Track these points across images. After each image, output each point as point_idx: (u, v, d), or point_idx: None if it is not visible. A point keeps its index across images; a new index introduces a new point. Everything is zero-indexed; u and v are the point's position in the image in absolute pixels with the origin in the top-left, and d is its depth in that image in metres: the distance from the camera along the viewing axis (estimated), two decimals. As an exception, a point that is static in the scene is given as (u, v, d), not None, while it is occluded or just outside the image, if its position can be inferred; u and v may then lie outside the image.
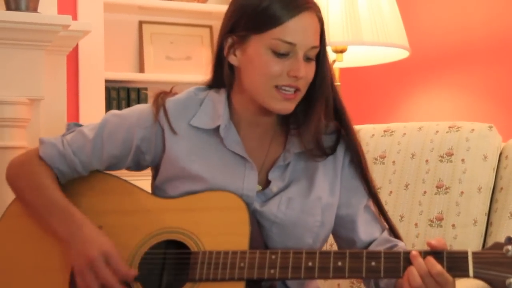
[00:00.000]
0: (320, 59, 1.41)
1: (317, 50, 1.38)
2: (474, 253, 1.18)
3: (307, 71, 1.36)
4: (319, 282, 1.75)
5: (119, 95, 3.27)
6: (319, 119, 1.42)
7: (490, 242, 1.76)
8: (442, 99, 2.85)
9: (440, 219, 1.88)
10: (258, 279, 1.29)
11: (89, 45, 3.02)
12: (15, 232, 1.48)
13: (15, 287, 1.43)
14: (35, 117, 2.71)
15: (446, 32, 2.85)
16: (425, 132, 2.02)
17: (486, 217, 1.86)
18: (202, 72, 3.33)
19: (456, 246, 1.51)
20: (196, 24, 3.53)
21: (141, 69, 3.39)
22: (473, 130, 1.87)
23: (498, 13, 2.62)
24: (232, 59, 1.41)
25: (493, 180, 1.84)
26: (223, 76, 1.46)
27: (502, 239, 1.73)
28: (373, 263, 1.23)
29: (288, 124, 1.50)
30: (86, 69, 3.03)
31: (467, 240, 1.82)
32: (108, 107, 3.16)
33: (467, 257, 1.17)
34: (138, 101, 3.29)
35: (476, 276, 1.16)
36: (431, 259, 1.18)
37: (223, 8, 3.27)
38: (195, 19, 3.51)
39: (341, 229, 1.49)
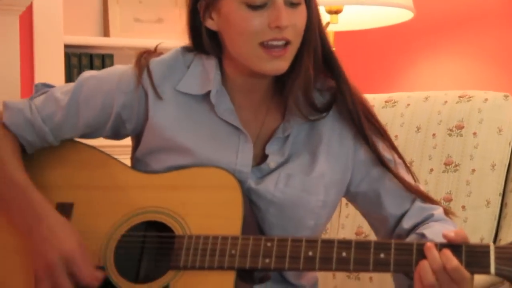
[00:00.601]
0: (307, 2, 1.38)
1: None
2: (497, 248, 1.16)
3: (293, 18, 1.33)
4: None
5: (81, 62, 3.28)
6: (306, 71, 1.39)
7: (504, 226, 1.83)
8: (451, 66, 2.86)
9: (448, 200, 1.89)
10: (250, 269, 1.27)
11: (46, 4, 3.02)
12: None
13: None
14: (-15, 81, 2.72)
15: None
16: (432, 102, 2.03)
17: (500, 198, 1.88)
18: (176, 37, 3.38)
19: (466, 230, 1.51)
20: None
21: (106, 33, 3.41)
22: (486, 99, 1.87)
23: None
24: (210, 24, 1.40)
25: (509, 156, 1.85)
26: (204, 44, 1.44)
27: None
28: (382, 255, 1.21)
29: (283, 89, 1.46)
30: (42, 31, 3.04)
31: (479, 223, 1.84)
32: (68, 76, 3.17)
33: (488, 252, 1.15)
34: (103, 68, 3.15)
35: (498, 273, 1.15)
36: (447, 253, 1.16)
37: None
38: None
39: (369, 207, 1.49)
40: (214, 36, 1.43)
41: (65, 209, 1.37)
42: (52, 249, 1.27)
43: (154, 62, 1.44)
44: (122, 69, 1.48)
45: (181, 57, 1.47)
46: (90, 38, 3.36)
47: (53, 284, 1.26)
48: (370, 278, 1.97)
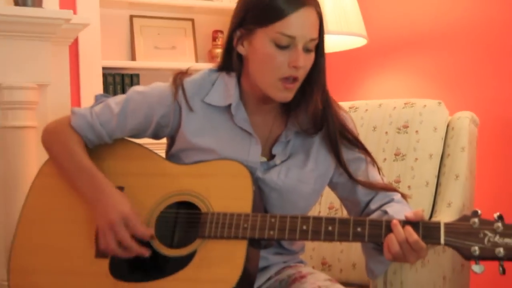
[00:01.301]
0: (319, 50, 1.39)
1: (315, 42, 1.35)
2: (445, 224, 1.18)
3: (306, 61, 1.34)
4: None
5: (115, 80, 3.25)
6: (316, 104, 1.39)
7: (439, 201, 1.87)
8: (397, 80, 2.88)
9: (398, 181, 1.91)
10: (258, 239, 1.29)
11: (88, 37, 2.98)
12: (47, 188, 1.47)
13: (47, 237, 1.41)
14: (42, 100, 2.69)
15: (398, 23, 2.88)
16: (384, 108, 2.05)
17: (436, 179, 1.90)
18: (186, 60, 3.37)
19: (412, 205, 1.53)
20: (180, 18, 3.50)
21: (133, 57, 3.37)
22: (425, 106, 1.90)
23: (442, 7, 2.64)
24: (241, 49, 1.39)
25: (442, 148, 1.87)
26: (232, 64, 1.44)
27: (449, 199, 1.81)
28: (359, 229, 1.23)
29: (289, 105, 1.46)
30: (86, 57, 3.00)
31: (420, 199, 1.86)
32: (105, 91, 3.15)
33: (439, 228, 1.18)
34: (131, 85, 3.23)
35: (447, 244, 1.17)
36: (409, 229, 1.18)
37: (204, 3, 3.28)
38: (179, 13, 3.48)
39: (345, 194, 1.50)
40: (240, 58, 1.43)
41: None
42: (113, 211, 1.30)
43: (187, 81, 1.45)
44: (162, 86, 1.48)
45: (207, 77, 1.47)
46: (121, 62, 3.32)
47: (115, 235, 1.29)
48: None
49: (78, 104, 2.97)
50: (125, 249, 1.30)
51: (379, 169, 1.50)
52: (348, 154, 1.45)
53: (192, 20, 3.51)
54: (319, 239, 1.27)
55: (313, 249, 2.04)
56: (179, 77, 1.47)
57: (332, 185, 1.52)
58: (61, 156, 1.45)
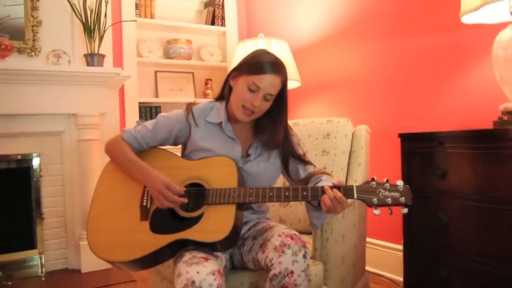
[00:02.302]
0: (282, 101, 1.42)
1: (272, 96, 1.38)
2: (356, 186, 1.24)
3: (261, 105, 1.37)
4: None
5: (145, 110, 3.29)
6: (280, 134, 1.44)
7: (349, 179, 1.84)
8: (321, 106, 2.82)
9: (324, 168, 1.89)
10: (242, 203, 1.33)
11: (130, 84, 3.11)
12: (109, 179, 1.48)
13: (109, 209, 1.41)
14: (102, 123, 2.84)
15: (319, 72, 2.85)
16: (315, 123, 2.02)
17: (347, 166, 1.88)
18: (189, 97, 3.42)
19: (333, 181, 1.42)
20: (185, 72, 3.54)
21: (157, 95, 3.38)
22: (339, 121, 1.92)
23: (347, 61, 2.65)
24: (231, 83, 1.43)
25: (350, 147, 1.89)
26: (224, 91, 1.48)
27: (355, 177, 1.79)
28: (304, 193, 1.27)
29: (257, 127, 1.49)
30: (128, 97, 3.12)
31: (338, 178, 1.69)
32: (141, 117, 3.21)
33: (353, 189, 1.24)
34: (156, 113, 3.25)
35: (358, 198, 1.23)
36: (335, 190, 1.24)
37: (200, 63, 3.45)
38: (185, 69, 3.52)
39: (291, 175, 1.49)
40: (230, 89, 1.44)
41: None
42: (157, 182, 1.32)
43: (194, 108, 1.47)
44: (178, 112, 1.48)
45: (208, 105, 1.49)
46: (150, 99, 3.34)
47: (164, 196, 1.31)
48: (290, 205, 1.98)
49: (124, 125, 3.04)
50: (173, 203, 1.32)
51: (313, 164, 1.50)
52: (293, 163, 1.48)
53: (193, 73, 3.58)
54: (280, 201, 1.30)
55: (274, 211, 2.03)
56: (189, 105, 1.48)
57: (283, 171, 1.51)
58: (118, 157, 1.44)
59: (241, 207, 1.37)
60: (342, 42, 2.71)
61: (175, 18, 3.43)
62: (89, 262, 2.65)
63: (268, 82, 1.36)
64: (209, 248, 1.31)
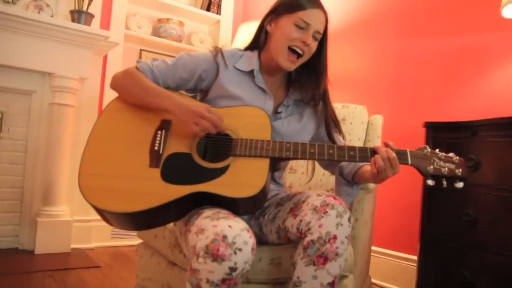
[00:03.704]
0: (323, 46, 1.30)
1: (320, 35, 1.27)
2: (410, 151, 1.14)
3: (311, 44, 1.25)
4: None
5: None
6: (322, 87, 1.31)
7: None
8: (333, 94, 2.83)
9: None
10: (278, 157, 1.15)
11: (115, 54, 2.82)
12: (111, 118, 1.25)
13: (110, 151, 1.18)
14: (81, 89, 2.55)
15: (345, 66, 2.87)
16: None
17: None
18: None
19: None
20: (172, 55, 3.22)
21: None
22: (356, 108, 1.83)
23: (363, 55, 2.58)
24: (268, 28, 1.30)
25: (365, 134, 1.79)
26: (259, 39, 1.34)
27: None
28: (351, 153, 1.14)
29: (290, 81, 1.37)
30: (111, 67, 2.80)
31: None
32: None
33: (407, 153, 1.13)
34: None
35: (412, 164, 1.13)
36: (388, 149, 1.12)
37: (190, 47, 3.24)
38: (172, 52, 3.28)
39: (324, 140, 1.38)
40: (266, 36, 1.32)
41: (166, 123, 1.20)
42: (197, 106, 1.14)
43: (224, 50, 1.34)
44: (204, 52, 1.33)
45: (237, 51, 1.35)
46: None
47: (207, 119, 1.13)
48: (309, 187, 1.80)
49: (103, 94, 2.74)
50: (215, 126, 1.14)
51: (343, 136, 1.40)
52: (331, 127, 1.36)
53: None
54: (323, 159, 1.15)
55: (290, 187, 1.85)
56: (218, 47, 1.35)
57: (312, 140, 1.39)
58: (133, 85, 1.23)
59: (274, 165, 1.19)
60: (360, 34, 2.61)
61: (169, -2, 3.22)
62: (45, 243, 2.29)
63: (317, 17, 1.25)
64: (230, 209, 1.10)
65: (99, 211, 1.11)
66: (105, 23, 2.81)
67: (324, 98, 1.34)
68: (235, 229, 0.94)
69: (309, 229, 1.05)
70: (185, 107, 1.15)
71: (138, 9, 3.16)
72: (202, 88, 1.33)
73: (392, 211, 2.25)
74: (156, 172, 1.12)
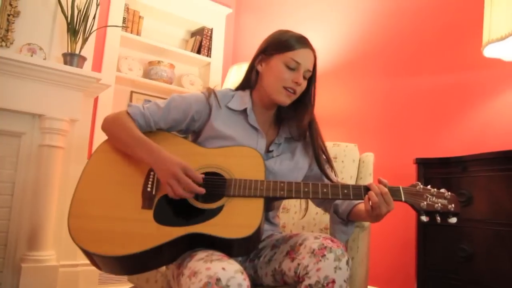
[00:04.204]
0: (312, 80, 1.32)
1: (310, 73, 1.29)
2: (403, 188, 1.14)
3: (303, 83, 1.28)
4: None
5: None
6: (307, 120, 1.32)
7: None
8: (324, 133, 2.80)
9: None
10: (272, 197, 1.14)
11: (105, 96, 2.85)
12: (102, 160, 1.22)
13: (101, 193, 1.15)
14: (71, 130, 2.54)
15: (331, 104, 2.89)
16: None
17: None
18: None
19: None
20: (162, 97, 3.21)
21: None
22: (346, 146, 1.83)
23: (350, 93, 2.62)
24: (259, 68, 1.31)
25: (356, 172, 1.78)
26: (250, 79, 1.35)
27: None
28: (345, 191, 1.14)
29: (280, 119, 1.37)
30: (102, 109, 2.83)
31: None
32: None
33: (400, 190, 1.14)
34: None
35: (405, 200, 1.13)
36: (381, 186, 1.13)
37: (180, 89, 3.27)
38: (163, 94, 3.31)
39: (315, 179, 1.36)
40: (256, 75, 1.33)
41: None
42: (173, 165, 1.11)
43: (216, 90, 1.34)
44: (196, 93, 1.33)
45: (228, 92, 1.36)
46: None
47: (180, 182, 1.09)
48: (295, 212, 1.79)
49: (93, 135, 2.74)
50: (189, 192, 1.11)
51: (336, 173, 1.39)
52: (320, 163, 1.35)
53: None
54: (317, 197, 1.14)
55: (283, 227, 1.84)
56: (209, 88, 1.35)
57: (305, 178, 1.38)
58: (121, 132, 1.21)
59: (268, 204, 1.20)
60: (349, 73, 2.67)
61: (160, 42, 3.28)
62: (29, 290, 2.19)
63: (306, 56, 1.27)
64: (224, 250, 1.07)
65: (88, 255, 1.08)
66: (97, 66, 2.84)
67: (311, 129, 1.34)
68: (229, 271, 0.92)
69: (307, 273, 1.04)
70: (161, 165, 1.13)
71: (129, 52, 3.21)
72: (194, 130, 1.33)
73: (387, 249, 2.22)
74: (149, 213, 1.10)
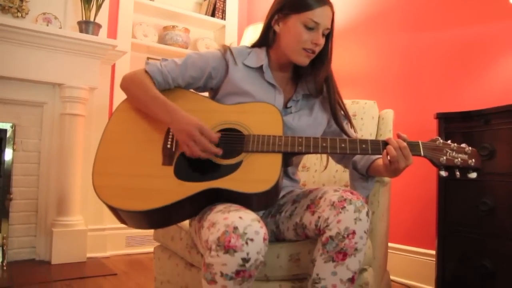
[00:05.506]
0: (329, 36, 1.29)
1: (328, 31, 1.26)
2: (422, 142, 1.14)
3: (322, 42, 1.25)
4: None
5: None
6: (323, 76, 1.30)
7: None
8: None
9: None
10: (291, 152, 1.14)
11: (122, 63, 2.85)
12: (122, 119, 1.25)
13: (122, 151, 1.19)
14: (90, 98, 2.58)
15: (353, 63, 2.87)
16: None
17: None
18: None
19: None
20: None
21: None
22: (366, 103, 1.81)
23: (370, 51, 2.62)
24: (276, 28, 1.29)
25: (376, 129, 1.76)
26: (267, 38, 1.33)
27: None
28: (363, 145, 1.14)
29: (298, 76, 1.36)
30: (119, 76, 2.84)
31: None
32: None
33: (419, 145, 1.13)
34: None
35: (425, 155, 1.12)
36: (399, 140, 1.12)
37: (192, 52, 3.24)
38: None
39: (333, 136, 1.33)
40: (274, 35, 1.31)
41: None
42: (189, 124, 1.12)
43: (232, 47, 1.33)
44: (213, 50, 1.33)
45: (244, 49, 1.35)
46: None
47: (196, 142, 1.11)
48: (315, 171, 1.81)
49: (112, 102, 2.76)
50: (205, 151, 1.11)
51: (355, 129, 1.38)
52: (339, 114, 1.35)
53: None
54: (335, 152, 1.14)
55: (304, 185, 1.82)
56: (226, 45, 1.34)
57: (324, 134, 1.39)
58: (139, 92, 1.22)
59: (286, 160, 1.18)
60: (366, 30, 2.62)
61: (174, 6, 3.24)
62: (61, 253, 2.31)
63: (325, 15, 1.23)
64: (243, 204, 1.09)
65: (114, 210, 1.11)
66: (112, 33, 2.85)
67: (327, 84, 1.33)
68: (246, 220, 0.95)
69: (327, 225, 1.04)
70: (178, 125, 1.14)
71: (143, 17, 3.20)
72: (212, 87, 1.33)
73: (407, 205, 2.23)
74: (169, 170, 1.13)
